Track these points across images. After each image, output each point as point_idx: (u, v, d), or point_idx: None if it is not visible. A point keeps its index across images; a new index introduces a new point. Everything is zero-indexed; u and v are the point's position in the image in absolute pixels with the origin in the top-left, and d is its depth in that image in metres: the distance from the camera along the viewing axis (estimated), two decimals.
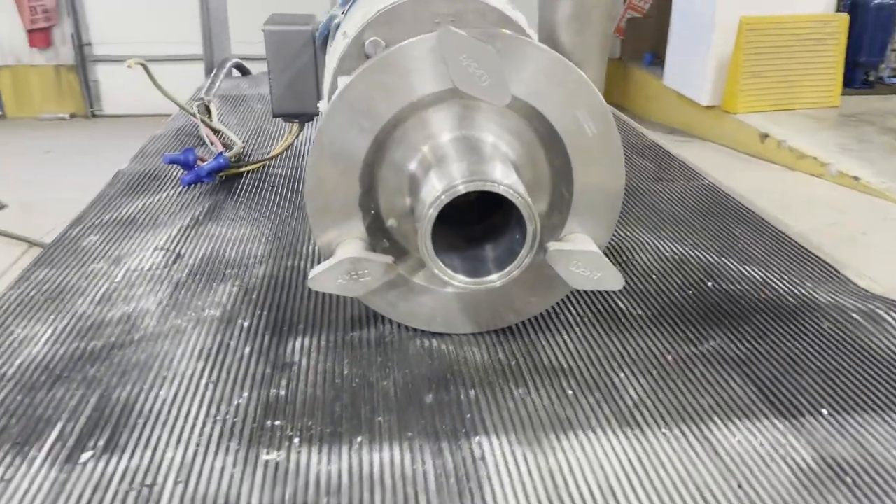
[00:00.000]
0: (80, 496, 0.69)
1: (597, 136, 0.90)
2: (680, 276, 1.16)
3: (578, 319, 1.02)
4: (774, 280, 1.14)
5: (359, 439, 0.77)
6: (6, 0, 8.42)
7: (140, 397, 0.84)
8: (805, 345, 0.96)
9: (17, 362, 0.91)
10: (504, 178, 0.81)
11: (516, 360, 0.92)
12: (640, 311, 1.04)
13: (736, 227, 1.34)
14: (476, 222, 0.97)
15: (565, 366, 0.91)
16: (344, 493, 0.70)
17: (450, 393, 0.85)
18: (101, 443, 0.76)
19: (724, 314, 1.04)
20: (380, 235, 0.93)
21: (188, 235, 1.29)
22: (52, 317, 1.01)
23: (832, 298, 1.07)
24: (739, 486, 0.71)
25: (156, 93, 1.60)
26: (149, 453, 0.75)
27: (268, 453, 0.75)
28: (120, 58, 9.03)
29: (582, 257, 0.90)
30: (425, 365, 0.91)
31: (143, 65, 1.55)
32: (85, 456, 0.75)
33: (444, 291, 0.95)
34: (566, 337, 0.98)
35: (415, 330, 0.98)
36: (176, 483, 0.71)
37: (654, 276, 1.15)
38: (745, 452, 0.76)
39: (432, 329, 0.97)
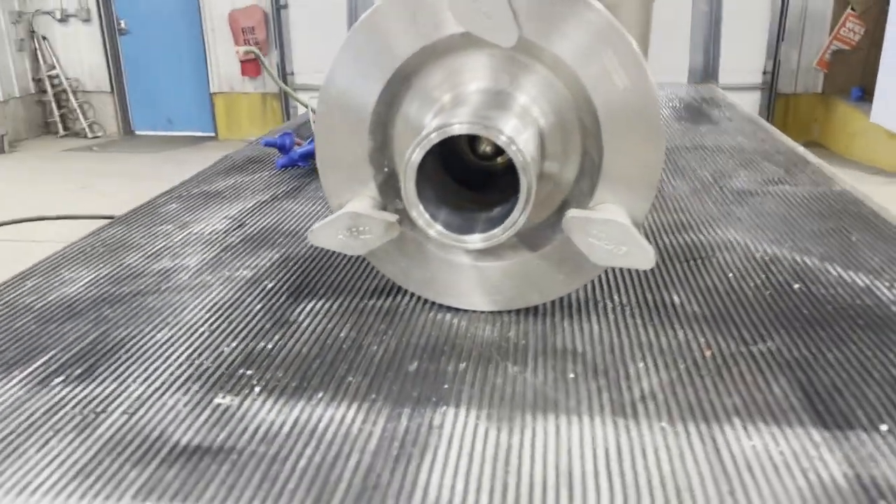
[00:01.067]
0: (32, 414, 0.69)
1: (629, 89, 0.79)
2: (762, 276, 1.00)
3: (618, 308, 0.90)
4: (881, 288, 0.95)
5: (320, 395, 0.72)
6: (226, 34, 9.31)
7: (136, 338, 0.84)
8: (887, 357, 0.78)
9: (50, 298, 0.95)
10: (505, 128, 0.73)
11: (526, 341, 0.83)
12: (696, 308, 0.91)
13: (855, 232, 1.15)
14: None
15: (579, 350, 0.80)
16: (277, 442, 0.65)
17: (438, 363, 0.78)
18: (77, 371, 0.77)
19: (798, 317, 0.87)
20: (393, 195, 0.88)
21: (260, 209, 1.30)
22: (101, 265, 1.05)
23: None
24: (730, 493, 0.58)
25: None
26: (113, 385, 0.74)
27: (222, 398, 0.72)
28: (317, 87, 9.73)
29: (604, 226, 0.79)
30: (425, 335, 0.84)
31: (254, 52, 1.61)
32: (56, 380, 0.75)
33: (459, 261, 0.88)
34: (594, 323, 0.87)
35: (434, 304, 0.91)
36: (122, 413, 0.69)
37: (730, 275, 1.00)
38: (757, 458, 0.62)
39: (446, 302, 0.90)
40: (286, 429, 0.67)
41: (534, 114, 0.82)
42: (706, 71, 2.57)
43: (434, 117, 0.82)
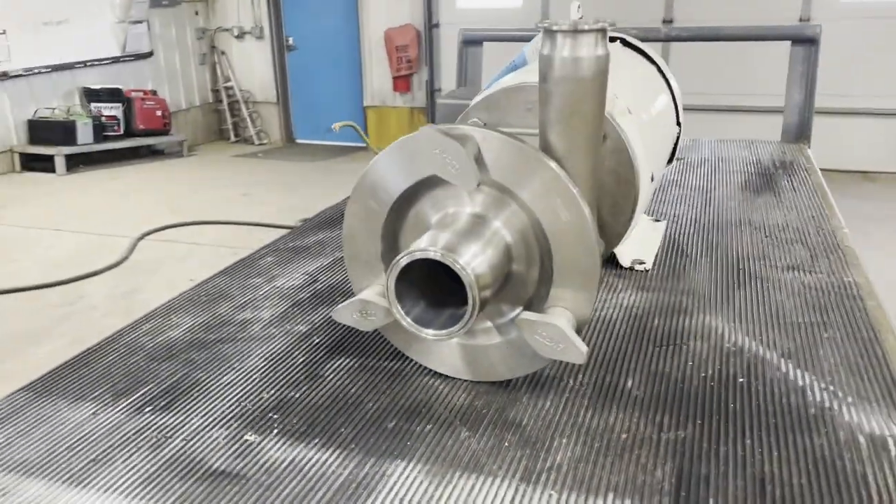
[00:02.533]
0: (126, 433, 1.01)
1: (570, 221, 1.01)
2: (717, 367, 1.16)
3: (574, 388, 1.11)
4: (815, 390, 1.09)
5: (316, 441, 0.99)
6: (381, 54, 9.90)
7: (208, 379, 1.15)
8: (773, 456, 0.94)
9: (158, 340, 1.28)
10: (459, 252, 0.97)
11: (487, 410, 1.06)
12: (640, 393, 1.10)
13: (830, 330, 1.28)
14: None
15: (523, 422, 1.03)
16: (275, 473, 0.92)
17: (411, 423, 1.03)
18: (162, 403, 1.09)
19: (720, 410, 1.05)
20: None
21: (332, 266, 1.60)
22: (200, 313, 1.39)
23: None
24: None
25: None
26: (182, 416, 1.05)
27: (250, 435, 1.01)
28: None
29: (546, 328, 1.01)
30: (412, 397, 1.09)
31: (352, 125, 1.93)
32: (147, 409, 1.07)
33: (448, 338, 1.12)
34: (547, 400, 1.08)
35: (428, 369, 1.16)
36: (182, 440, 1.00)
37: (689, 364, 1.18)
38: None
39: (438, 370, 1.15)
40: (283, 464, 0.94)
41: (502, 232, 1.05)
42: (800, 130, 2.62)
43: (426, 232, 1.08)
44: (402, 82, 10.16)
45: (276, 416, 1.05)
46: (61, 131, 8.61)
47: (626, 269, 1.56)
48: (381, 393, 1.11)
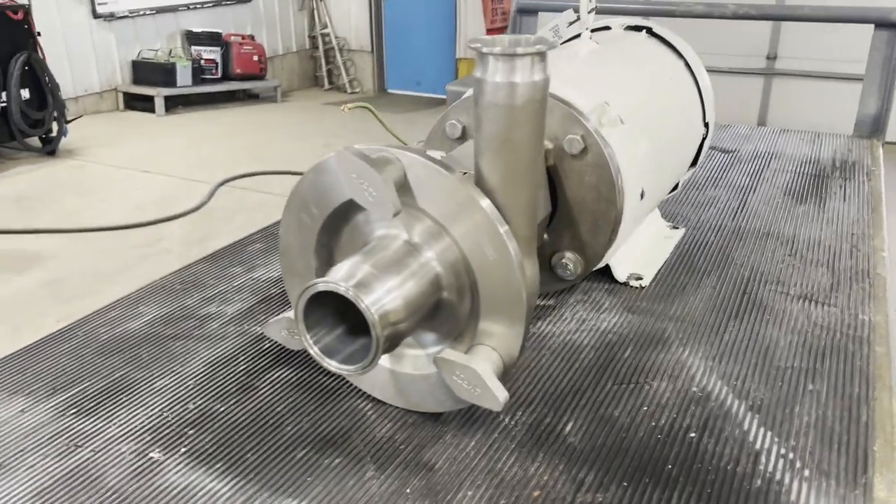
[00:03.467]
0: (40, 437, 1.02)
1: (496, 259, 0.93)
2: (671, 417, 1.06)
3: (509, 426, 1.04)
4: (767, 458, 0.98)
5: (218, 465, 0.97)
6: (477, 7, 9.69)
7: (144, 382, 1.14)
8: None
9: (116, 332, 1.29)
10: (372, 288, 0.91)
11: (405, 447, 1.01)
12: (577, 441, 1.02)
13: (818, 381, 1.14)
14: None
15: (437, 465, 0.97)
16: (163, 496, 0.91)
17: (320, 455, 0.99)
18: (88, 406, 1.09)
19: (654, 471, 0.95)
20: None
21: None
22: (168, 303, 1.38)
23: None
24: None
25: None
26: (100, 423, 1.05)
27: (155, 452, 0.99)
28: None
29: (463, 370, 0.94)
30: (333, 423, 1.05)
31: (366, 107, 1.86)
32: (71, 411, 1.07)
33: (381, 366, 1.07)
34: (474, 439, 1.02)
35: (361, 391, 1.12)
36: (91, 451, 0.99)
37: (643, 409, 1.08)
38: None
39: (374, 395, 1.10)
40: (174, 491, 0.93)
41: (432, 262, 0.98)
42: (875, 124, 2.38)
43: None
44: (495, 34, 9.93)
45: (191, 433, 1.03)
46: (162, 73, 8.90)
47: (621, 283, 1.45)
48: (305, 414, 1.07)
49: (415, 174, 0.94)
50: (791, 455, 0.99)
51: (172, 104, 9.03)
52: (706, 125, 1.66)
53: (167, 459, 0.98)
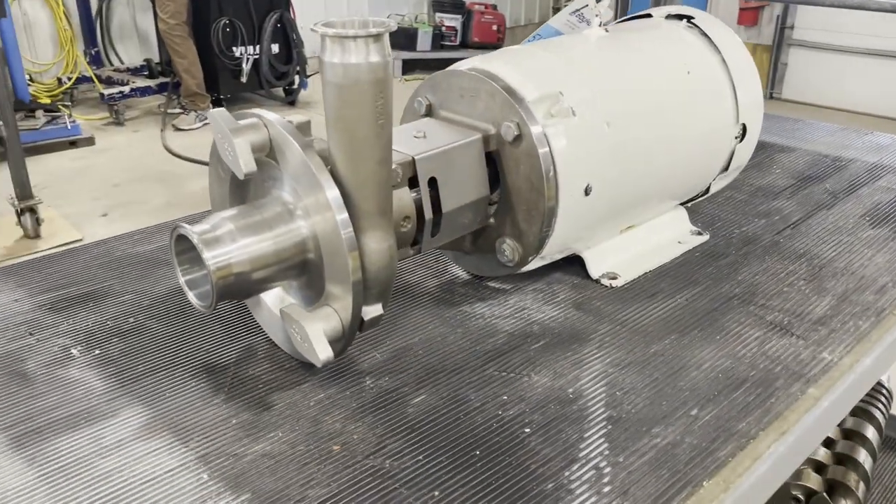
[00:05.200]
0: None
1: (330, 231, 1.00)
2: (524, 410, 1.06)
3: (367, 389, 1.11)
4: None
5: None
6: None
7: (119, 293, 1.36)
8: None
9: (131, 251, 1.52)
10: (222, 242, 1.01)
11: (263, 386, 1.12)
12: (414, 412, 1.06)
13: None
14: None
15: (272, 403, 1.07)
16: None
17: (196, 376, 1.13)
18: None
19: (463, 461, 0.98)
20: None
21: None
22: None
23: None
24: None
25: None
26: (67, 316, 1.28)
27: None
28: (816, 44, 8.91)
29: (296, 325, 1.03)
30: (231, 355, 1.19)
31: None
32: None
33: (266, 302, 1.18)
34: (321, 391, 1.10)
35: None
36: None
37: (503, 397, 1.09)
38: None
39: (272, 338, 1.21)
40: (69, 381, 1.12)
41: (301, 226, 1.06)
42: None
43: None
44: (749, 14, 9.28)
45: (114, 341, 1.23)
46: (403, 37, 9.46)
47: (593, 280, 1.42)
48: (212, 341, 1.22)
49: (275, 139, 1.03)
50: (606, 472, 0.95)
51: (410, 68, 9.58)
52: (743, 127, 1.53)
53: (81, 357, 1.18)
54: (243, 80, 7.45)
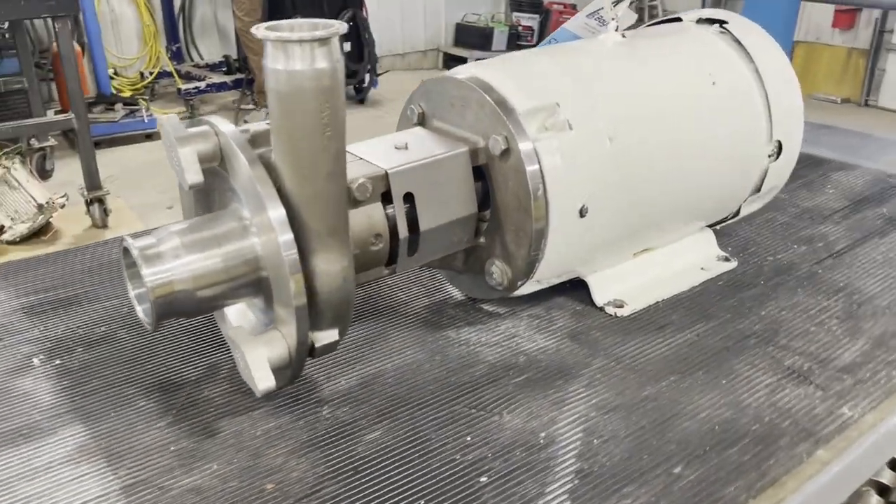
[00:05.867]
0: None
1: (274, 254, 0.92)
2: (484, 456, 0.96)
3: (322, 420, 1.03)
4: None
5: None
6: None
7: (99, 298, 1.33)
8: None
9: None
10: (163, 259, 0.95)
11: (213, 410, 1.05)
12: (366, 450, 0.97)
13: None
14: None
15: (218, 429, 1.00)
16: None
17: (152, 390, 1.08)
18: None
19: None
20: None
21: None
22: None
23: None
24: None
25: None
26: (40, 321, 1.25)
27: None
28: None
29: (238, 350, 0.96)
30: (194, 374, 1.13)
31: None
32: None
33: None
34: (274, 420, 1.03)
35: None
36: None
37: (468, 438, 0.99)
38: None
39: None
40: (21, 392, 1.08)
41: (255, 245, 0.99)
42: None
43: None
44: (845, 17, 8.77)
45: (78, 350, 1.18)
46: (479, 36, 9.37)
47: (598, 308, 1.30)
48: (178, 357, 1.16)
49: (224, 150, 0.96)
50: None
51: None
52: (779, 144, 1.37)
53: (41, 367, 1.14)
54: None
